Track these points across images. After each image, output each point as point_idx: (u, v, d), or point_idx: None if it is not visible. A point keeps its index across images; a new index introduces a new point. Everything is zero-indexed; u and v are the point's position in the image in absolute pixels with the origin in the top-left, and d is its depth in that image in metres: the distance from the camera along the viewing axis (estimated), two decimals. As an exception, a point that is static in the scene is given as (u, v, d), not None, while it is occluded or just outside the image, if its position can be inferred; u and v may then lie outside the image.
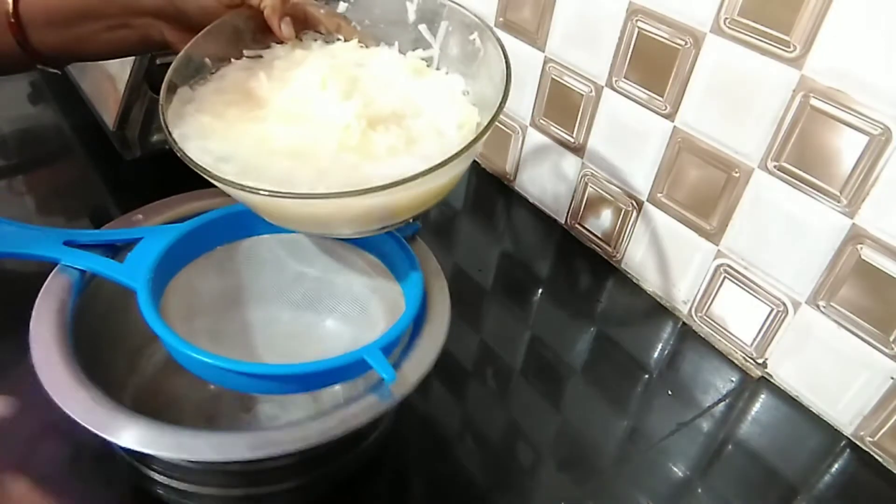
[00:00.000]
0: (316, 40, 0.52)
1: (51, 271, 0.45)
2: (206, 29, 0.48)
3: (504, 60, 0.44)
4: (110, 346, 0.48)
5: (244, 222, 0.51)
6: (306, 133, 0.44)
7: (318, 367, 0.40)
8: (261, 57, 0.50)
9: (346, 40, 0.51)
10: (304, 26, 0.52)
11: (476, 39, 0.48)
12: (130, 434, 0.37)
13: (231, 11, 0.49)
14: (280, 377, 0.41)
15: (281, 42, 0.50)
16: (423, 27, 0.51)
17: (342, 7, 0.53)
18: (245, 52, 0.50)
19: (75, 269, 0.46)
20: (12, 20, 0.48)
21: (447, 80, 0.50)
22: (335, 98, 0.45)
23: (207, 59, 0.49)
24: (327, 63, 0.49)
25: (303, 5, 0.51)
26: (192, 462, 0.40)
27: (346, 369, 0.41)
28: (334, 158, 0.43)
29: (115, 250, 0.48)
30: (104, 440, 0.36)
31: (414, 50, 0.51)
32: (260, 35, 0.51)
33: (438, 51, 0.51)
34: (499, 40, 0.46)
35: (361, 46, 0.51)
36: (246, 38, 0.51)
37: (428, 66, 0.51)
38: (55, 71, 0.54)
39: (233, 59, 0.49)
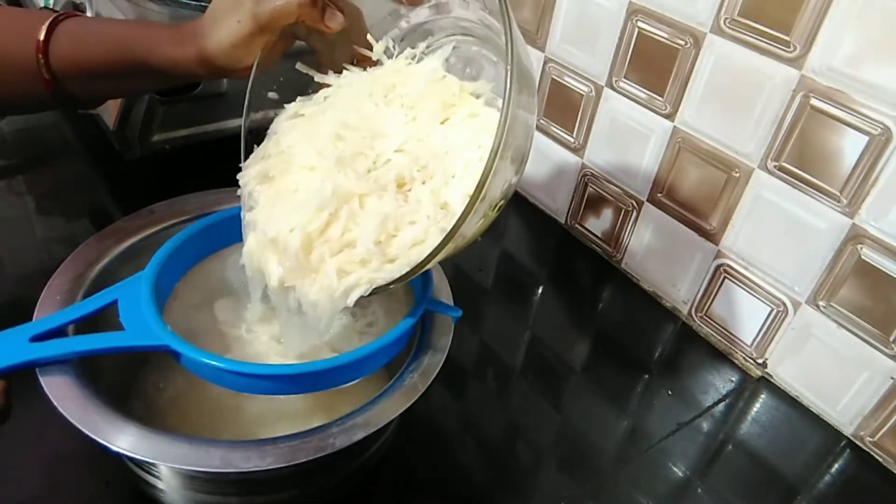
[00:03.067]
0: (377, 61, 0.48)
1: (54, 271, 0.45)
2: (251, 84, 0.45)
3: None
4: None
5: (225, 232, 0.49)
6: (285, 219, 0.40)
7: (382, 343, 0.41)
8: (312, 93, 0.47)
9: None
10: None
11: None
12: (125, 439, 0.36)
13: (267, 59, 0.46)
14: (353, 364, 0.40)
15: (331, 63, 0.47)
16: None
17: None
18: (299, 96, 0.46)
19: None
20: (46, 77, 0.47)
21: (480, 120, 0.43)
22: (329, 167, 0.41)
23: (272, 94, 0.46)
24: (355, 108, 0.44)
25: None
26: (195, 471, 0.39)
27: (401, 339, 0.42)
28: (297, 255, 0.39)
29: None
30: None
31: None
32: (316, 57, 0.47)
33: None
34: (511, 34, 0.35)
35: (409, 63, 0.46)
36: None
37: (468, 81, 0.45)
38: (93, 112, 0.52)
39: (285, 105, 0.46)
